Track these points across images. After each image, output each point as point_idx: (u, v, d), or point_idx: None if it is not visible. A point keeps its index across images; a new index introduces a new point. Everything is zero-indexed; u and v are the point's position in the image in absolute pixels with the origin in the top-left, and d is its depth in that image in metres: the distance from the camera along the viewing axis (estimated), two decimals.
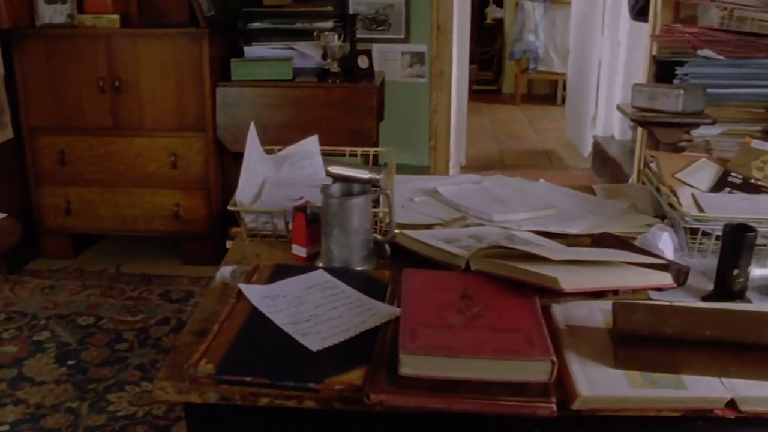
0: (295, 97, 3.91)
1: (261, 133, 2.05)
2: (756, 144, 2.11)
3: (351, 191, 1.74)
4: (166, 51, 3.88)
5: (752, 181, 2.02)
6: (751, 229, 1.55)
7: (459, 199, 2.14)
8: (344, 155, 2.31)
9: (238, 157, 2.02)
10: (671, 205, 1.90)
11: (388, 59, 4.48)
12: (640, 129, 4.28)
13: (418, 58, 4.48)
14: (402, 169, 2.46)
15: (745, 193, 1.99)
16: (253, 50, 4.08)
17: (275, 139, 2.35)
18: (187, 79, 3.90)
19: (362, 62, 4.10)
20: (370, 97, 3.90)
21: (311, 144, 2.15)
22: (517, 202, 2.14)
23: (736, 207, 1.86)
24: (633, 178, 4.55)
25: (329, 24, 4.08)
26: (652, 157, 2.19)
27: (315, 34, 3.99)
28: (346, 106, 3.88)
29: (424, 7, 4.41)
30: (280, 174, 2.08)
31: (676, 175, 2.07)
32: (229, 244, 1.97)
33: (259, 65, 3.97)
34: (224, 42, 4.09)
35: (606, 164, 5.73)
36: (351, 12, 4.38)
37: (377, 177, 2.08)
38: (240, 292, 1.53)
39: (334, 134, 3.76)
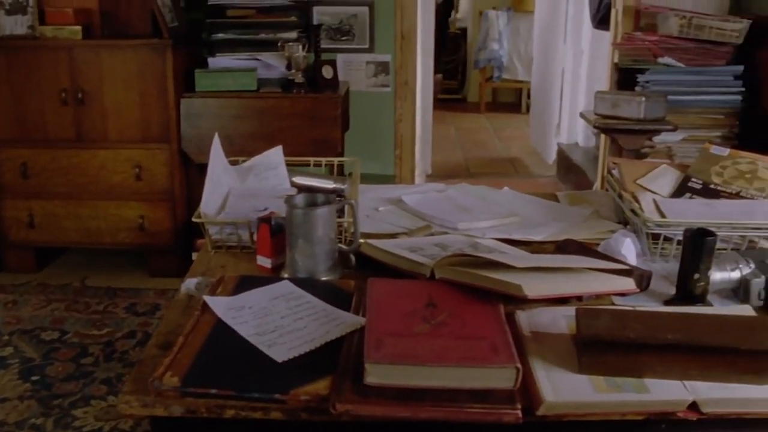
0: (259, 108, 3.90)
1: (226, 144, 2.05)
2: (715, 150, 2.14)
3: (315, 201, 1.74)
4: (130, 62, 3.86)
5: (712, 186, 2.05)
6: (711, 234, 1.57)
7: (423, 207, 2.15)
8: (309, 165, 2.31)
9: (203, 169, 2.02)
10: (633, 211, 1.92)
11: (353, 69, 4.48)
12: (603, 136, 4.33)
13: (383, 67, 4.49)
14: (368, 178, 2.47)
15: (705, 198, 2.02)
16: (217, 61, 4.07)
17: (240, 149, 2.34)
18: (151, 91, 3.88)
19: (327, 72, 4.11)
20: (334, 107, 3.90)
21: (275, 155, 2.15)
22: (482, 210, 2.15)
23: (696, 212, 1.88)
24: (597, 185, 4.59)
25: (293, 34, 4.08)
26: (615, 164, 2.21)
27: (279, 44, 3.99)
28: (311, 117, 3.88)
29: (388, 17, 4.42)
30: (245, 185, 2.07)
31: (638, 182, 2.09)
32: (195, 255, 1.96)
33: (224, 76, 3.96)
34: (188, 53, 4.08)
35: (570, 171, 5.78)
36: (315, 22, 4.39)
37: (342, 187, 2.09)
38: (205, 304, 1.52)
39: (299, 144, 3.76)
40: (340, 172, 2.34)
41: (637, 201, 1.94)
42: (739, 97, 3.69)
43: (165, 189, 3.99)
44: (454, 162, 6.68)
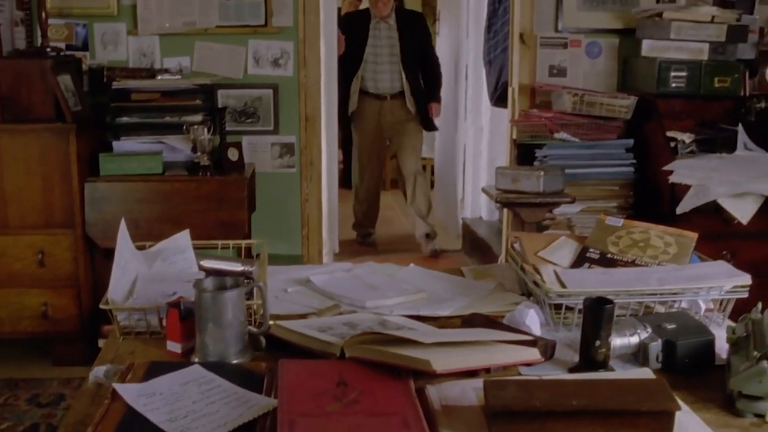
0: (165, 191, 3.89)
1: (132, 228, 2.04)
2: (610, 221, 2.23)
3: (224, 285, 1.74)
4: (32, 147, 3.81)
5: (608, 255, 2.14)
6: (610, 302, 1.63)
7: (331, 287, 2.17)
8: (217, 248, 2.31)
9: (109, 254, 2.00)
10: (535, 283, 1.98)
11: (258, 150, 4.51)
12: (506, 210, 4.45)
13: (288, 148, 4.54)
14: (276, 258, 2.48)
15: (603, 267, 2.09)
16: (122, 145, 4.05)
17: (147, 233, 2.33)
18: (55, 175, 3.83)
19: (232, 154, 4.13)
20: (240, 189, 3.92)
21: (183, 238, 2.15)
22: (389, 288, 2.18)
23: (595, 281, 1.95)
24: (502, 258, 4.69)
25: (198, 117, 4.09)
26: (516, 237, 2.28)
27: (184, 127, 4.00)
28: (218, 199, 3.89)
29: (292, 99, 4.49)
30: (153, 270, 2.06)
31: (539, 254, 2.16)
32: (101, 342, 1.93)
33: (129, 160, 3.94)
34: (92, 137, 4.05)
35: (476, 245, 5.89)
36: (220, 105, 4.42)
37: (250, 269, 2.10)
38: (115, 392, 1.50)
39: (207, 227, 3.76)
40: (248, 254, 2.35)
41: (539, 273, 2.00)
42: (631, 169, 3.87)
43: (69, 275, 3.91)
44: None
